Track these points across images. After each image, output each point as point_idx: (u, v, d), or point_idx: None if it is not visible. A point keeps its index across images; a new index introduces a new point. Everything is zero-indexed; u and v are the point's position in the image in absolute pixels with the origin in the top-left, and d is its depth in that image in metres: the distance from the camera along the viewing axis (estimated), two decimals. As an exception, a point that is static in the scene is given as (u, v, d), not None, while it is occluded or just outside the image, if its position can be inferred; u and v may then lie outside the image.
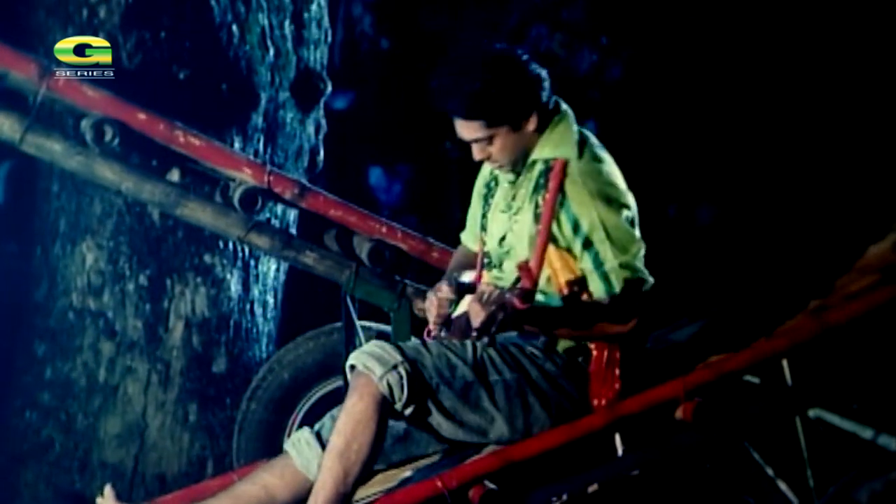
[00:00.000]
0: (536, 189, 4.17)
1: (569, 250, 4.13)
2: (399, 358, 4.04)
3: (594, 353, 4.18)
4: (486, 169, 4.41)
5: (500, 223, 4.29)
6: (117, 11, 5.66)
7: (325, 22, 6.15)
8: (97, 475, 5.72)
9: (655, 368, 4.44)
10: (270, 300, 6.02)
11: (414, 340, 4.18)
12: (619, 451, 4.23)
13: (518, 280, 4.03)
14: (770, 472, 4.41)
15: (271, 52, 5.90)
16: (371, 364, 4.02)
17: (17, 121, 5.15)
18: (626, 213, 4.13)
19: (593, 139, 4.25)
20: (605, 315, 4.07)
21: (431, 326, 4.21)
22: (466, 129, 4.15)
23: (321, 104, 6.15)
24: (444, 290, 4.12)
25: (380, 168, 9.54)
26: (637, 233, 4.16)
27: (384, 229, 5.32)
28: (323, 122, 6.18)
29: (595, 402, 4.18)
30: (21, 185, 6.63)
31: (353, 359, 4.08)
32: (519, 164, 4.23)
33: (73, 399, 5.78)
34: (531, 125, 4.16)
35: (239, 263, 5.87)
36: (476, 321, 3.90)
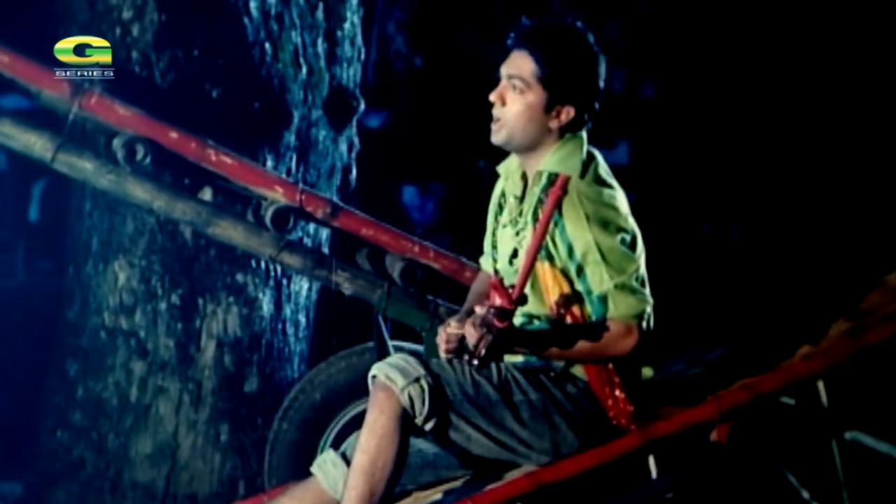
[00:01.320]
0: (539, 203, 4.14)
1: (564, 271, 4.09)
2: (422, 371, 4.02)
3: (586, 376, 4.14)
4: (498, 187, 4.37)
5: (507, 240, 4.26)
6: (150, 29, 5.66)
7: (359, 40, 6.15)
8: (128, 495, 5.71)
9: (690, 390, 4.41)
10: (302, 319, 6.00)
11: (443, 359, 4.15)
12: (654, 474, 4.20)
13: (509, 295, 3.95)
14: (806, 494, 4.38)
15: (304, 70, 5.89)
16: (393, 375, 4.00)
17: (50, 139, 5.17)
18: (622, 235, 4.08)
19: (601, 162, 4.21)
20: (602, 336, 4.03)
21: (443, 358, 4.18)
22: (517, 62, 4.13)
23: (354, 122, 6.14)
24: (453, 325, 4.10)
25: (413, 186, 9.55)
26: (636, 254, 4.11)
27: (417, 248, 5.30)
28: (356, 140, 6.17)
29: (615, 423, 4.15)
30: (55, 204, 6.64)
31: (375, 369, 4.06)
32: (512, 144, 4.18)
33: (105, 418, 5.77)
34: (556, 120, 4.13)
35: (271, 283, 5.86)
36: (469, 344, 3.90)
